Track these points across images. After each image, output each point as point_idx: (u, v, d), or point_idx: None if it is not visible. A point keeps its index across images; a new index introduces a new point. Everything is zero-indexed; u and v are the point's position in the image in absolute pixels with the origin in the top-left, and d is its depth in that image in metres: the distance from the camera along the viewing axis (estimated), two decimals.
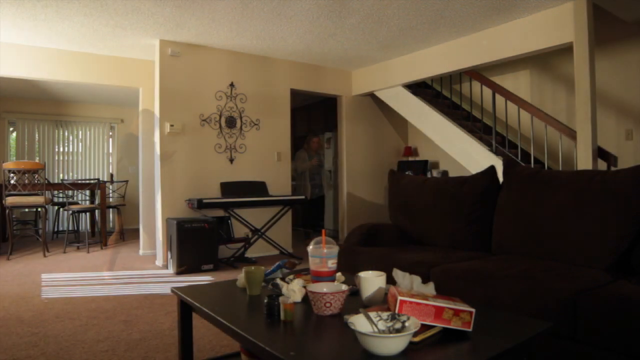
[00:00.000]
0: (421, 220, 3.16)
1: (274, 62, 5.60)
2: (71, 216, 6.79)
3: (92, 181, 6.36)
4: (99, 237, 6.62)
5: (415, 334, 1.18)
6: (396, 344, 1.10)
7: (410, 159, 6.84)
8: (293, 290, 1.58)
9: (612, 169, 3.93)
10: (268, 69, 5.56)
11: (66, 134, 7.99)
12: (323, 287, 1.51)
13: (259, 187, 5.26)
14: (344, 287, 1.51)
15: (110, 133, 8.42)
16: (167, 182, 4.86)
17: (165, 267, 4.72)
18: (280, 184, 5.62)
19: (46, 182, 5.51)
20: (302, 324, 1.42)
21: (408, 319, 1.20)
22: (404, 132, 7.00)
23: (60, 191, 7.01)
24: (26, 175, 5.33)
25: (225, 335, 2.48)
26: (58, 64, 5.00)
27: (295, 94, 6.00)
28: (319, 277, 1.65)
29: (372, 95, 6.40)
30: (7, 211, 5.39)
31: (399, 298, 1.26)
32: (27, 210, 7.30)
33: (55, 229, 7.26)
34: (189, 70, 4.98)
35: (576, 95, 3.87)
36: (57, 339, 2.57)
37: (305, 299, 1.58)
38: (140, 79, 5.51)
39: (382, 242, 3.06)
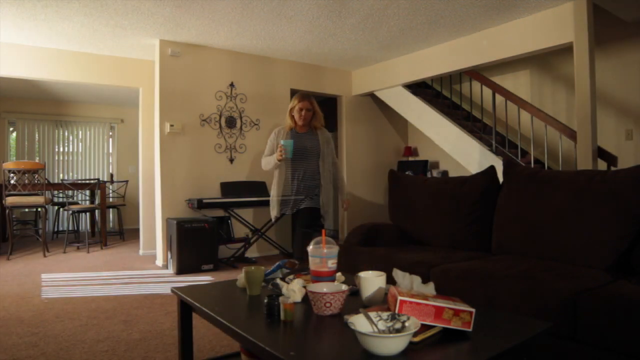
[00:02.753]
0: (421, 220, 3.16)
1: (274, 62, 5.60)
2: (71, 216, 6.79)
3: (92, 181, 6.36)
4: (99, 237, 6.62)
5: (415, 334, 1.18)
6: (396, 344, 1.10)
7: (410, 159, 6.83)
8: (293, 290, 1.58)
9: (612, 169, 3.93)
10: (268, 69, 5.56)
11: (66, 134, 7.99)
12: (323, 287, 1.50)
13: (259, 187, 5.26)
14: (344, 287, 1.51)
15: (110, 133, 8.42)
16: (167, 182, 4.85)
17: (165, 267, 4.72)
18: None
19: (46, 182, 5.50)
20: (302, 324, 1.42)
21: (408, 319, 1.20)
22: (404, 132, 7.00)
23: (60, 191, 7.01)
24: (26, 175, 5.33)
25: (225, 335, 2.48)
26: (58, 64, 5.00)
27: (295, 94, 5.99)
28: (319, 277, 1.65)
29: (372, 95, 6.40)
30: (7, 211, 5.39)
31: (399, 298, 1.26)
32: (27, 210, 7.30)
33: (55, 229, 7.26)
34: (189, 70, 4.97)
35: (576, 95, 3.86)
36: (57, 339, 2.57)
37: (305, 299, 1.58)
38: (140, 79, 5.51)
39: (382, 242, 3.06)
